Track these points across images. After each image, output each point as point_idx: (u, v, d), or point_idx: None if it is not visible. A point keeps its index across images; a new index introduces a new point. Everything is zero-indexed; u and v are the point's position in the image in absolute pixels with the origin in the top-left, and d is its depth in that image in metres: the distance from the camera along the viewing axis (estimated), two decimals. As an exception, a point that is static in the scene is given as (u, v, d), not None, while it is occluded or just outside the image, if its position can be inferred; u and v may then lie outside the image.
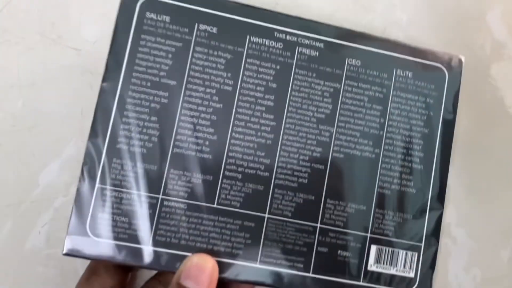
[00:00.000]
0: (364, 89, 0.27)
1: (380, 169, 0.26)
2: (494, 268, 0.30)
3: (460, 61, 0.28)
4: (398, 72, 0.27)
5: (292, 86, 0.26)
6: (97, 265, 0.25)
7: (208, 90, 0.25)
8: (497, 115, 0.31)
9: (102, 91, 0.25)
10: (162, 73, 0.25)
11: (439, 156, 0.27)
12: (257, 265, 0.25)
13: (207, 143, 0.25)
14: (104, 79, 0.25)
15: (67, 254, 0.23)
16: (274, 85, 0.26)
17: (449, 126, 0.27)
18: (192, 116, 0.25)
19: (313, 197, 0.26)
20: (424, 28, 0.31)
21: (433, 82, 0.27)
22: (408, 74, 0.27)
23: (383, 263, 0.26)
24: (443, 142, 0.27)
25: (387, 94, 0.27)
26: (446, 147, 0.27)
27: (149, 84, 0.25)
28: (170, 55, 0.25)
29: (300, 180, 0.26)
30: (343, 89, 0.27)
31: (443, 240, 0.30)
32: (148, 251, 0.24)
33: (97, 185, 0.24)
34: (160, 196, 0.24)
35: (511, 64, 0.30)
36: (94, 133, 0.24)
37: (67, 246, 0.23)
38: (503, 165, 0.31)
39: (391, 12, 0.31)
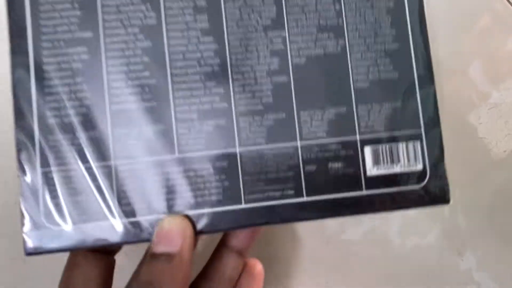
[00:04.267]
0: (307, -23, 0.23)
1: (350, 61, 0.23)
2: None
3: None
4: None
5: (223, -2, 0.22)
6: (75, 258, 0.22)
7: (130, 30, 0.22)
8: (490, 161, 0.32)
9: (13, 66, 0.21)
10: (73, 27, 0.22)
11: (415, 27, 0.23)
12: (243, 205, 0.22)
13: (146, 89, 0.22)
14: (12, 52, 0.21)
15: (30, 254, 0.21)
16: (203, 3, 0.22)
17: (416, -9, 0.23)
18: (121, 64, 0.22)
19: (284, 115, 0.22)
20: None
21: None
22: None
23: (384, 163, 0.22)
24: (413, 10, 0.23)
25: (334, -25, 0.23)
26: (419, 15, 0.23)
27: (62, 43, 0.21)
28: (76, 5, 0.22)
29: (264, 100, 0.22)
30: (283, -16, 0.23)
31: (467, 287, 0.31)
32: (118, 224, 0.21)
33: (39, 170, 0.21)
34: (113, 162, 0.21)
35: (498, 111, 0.32)
36: (19, 115, 0.21)
37: (28, 245, 0.21)
38: (503, 208, 0.32)
39: None
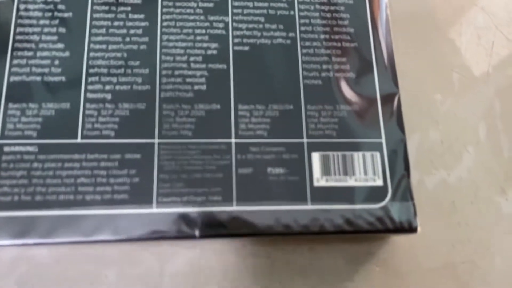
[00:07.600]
0: (257, -34, 0.21)
1: (301, 56, 0.20)
2: None
3: None
4: None
5: (162, -24, 0.20)
6: None
7: (49, -2, 0.19)
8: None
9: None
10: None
11: (376, 26, 0.21)
12: (154, 209, 0.17)
13: (56, 62, 0.18)
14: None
15: None
16: (138, -21, 0.20)
17: (376, -10, 0.21)
18: (29, 33, 0.18)
19: (218, 106, 0.19)
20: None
21: None
22: None
23: (335, 174, 0.18)
24: (374, 10, 0.21)
25: (289, -32, 0.21)
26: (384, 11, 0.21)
27: None
28: None
29: (197, 87, 0.19)
30: (231, -30, 0.20)
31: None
32: (-13, 219, 0.16)
33: None
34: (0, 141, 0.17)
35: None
36: None
37: None
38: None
39: None
